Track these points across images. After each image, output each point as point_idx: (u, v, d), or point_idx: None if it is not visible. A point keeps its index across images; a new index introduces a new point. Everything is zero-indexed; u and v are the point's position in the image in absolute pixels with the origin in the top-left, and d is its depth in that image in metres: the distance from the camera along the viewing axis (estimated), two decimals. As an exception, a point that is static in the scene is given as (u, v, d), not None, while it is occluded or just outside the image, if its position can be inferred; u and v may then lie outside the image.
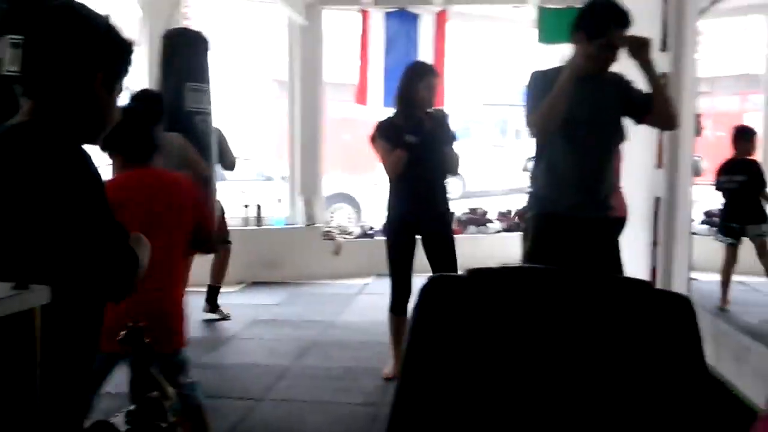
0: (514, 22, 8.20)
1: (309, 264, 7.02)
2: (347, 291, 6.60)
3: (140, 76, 6.53)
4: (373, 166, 13.09)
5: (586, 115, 2.88)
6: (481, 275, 1.73)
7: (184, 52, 4.56)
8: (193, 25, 4.90)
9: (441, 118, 3.97)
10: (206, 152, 4.50)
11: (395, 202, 4.01)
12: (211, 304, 5.51)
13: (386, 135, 3.87)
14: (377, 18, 7.41)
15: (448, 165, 4.00)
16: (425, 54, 7.43)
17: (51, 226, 1.47)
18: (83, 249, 1.49)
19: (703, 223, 6.85)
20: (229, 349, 4.80)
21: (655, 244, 4.90)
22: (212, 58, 4.72)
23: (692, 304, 1.52)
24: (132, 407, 2.03)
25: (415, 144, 3.76)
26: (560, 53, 7.05)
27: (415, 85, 3.89)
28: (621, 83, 3.03)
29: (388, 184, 4.01)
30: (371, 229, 7.86)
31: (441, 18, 7.39)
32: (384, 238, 4.30)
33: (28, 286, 1.51)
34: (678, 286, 4.32)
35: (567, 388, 1.53)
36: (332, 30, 7.92)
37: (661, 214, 4.69)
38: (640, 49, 2.88)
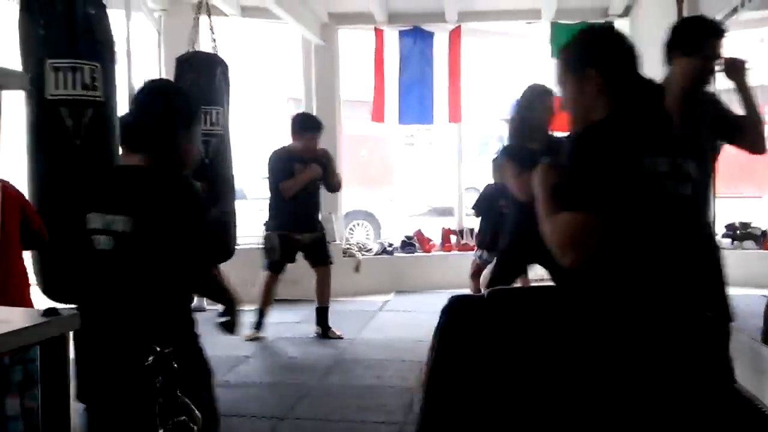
0: (528, 38, 8.22)
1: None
2: (368, 308, 6.61)
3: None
4: (390, 182, 13.13)
5: (686, 134, 2.85)
6: (501, 295, 1.75)
7: (188, 75, 4.65)
8: (209, 46, 4.96)
9: (560, 142, 4.09)
10: (213, 172, 4.57)
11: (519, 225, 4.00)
12: (322, 327, 5.52)
13: (515, 158, 3.88)
14: (392, 36, 7.47)
15: None
16: (440, 71, 7.47)
17: (188, 221, 2.11)
18: (204, 232, 2.19)
19: (724, 236, 6.82)
20: (251, 367, 4.82)
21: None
22: (227, 79, 4.78)
23: (718, 323, 1.53)
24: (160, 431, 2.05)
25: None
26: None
27: (535, 107, 3.97)
28: (717, 103, 3.00)
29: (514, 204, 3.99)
30: (390, 245, 7.87)
31: (455, 35, 7.43)
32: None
33: (58, 312, 1.55)
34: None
35: (588, 404, 1.53)
36: (348, 48, 7.98)
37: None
38: (737, 70, 2.85)
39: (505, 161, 3.91)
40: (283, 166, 5.25)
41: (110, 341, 2.10)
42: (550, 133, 4.00)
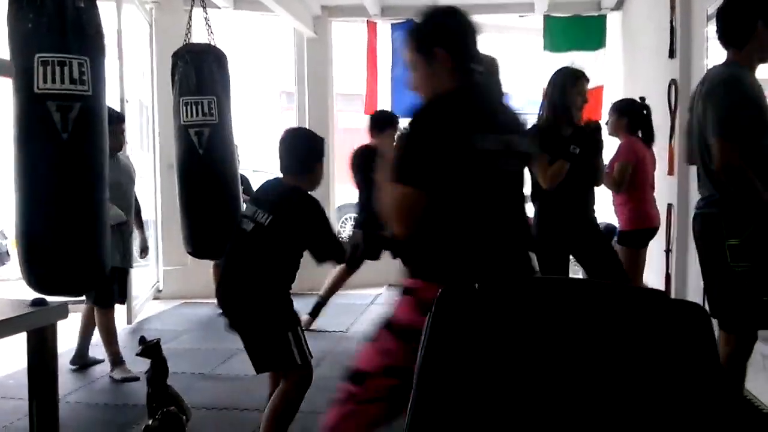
0: (520, 31, 8.21)
1: (320, 274, 7.00)
2: (359, 301, 6.60)
3: (147, 91, 6.62)
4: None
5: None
6: (493, 287, 1.74)
7: (181, 67, 4.63)
8: (201, 39, 4.94)
9: (596, 130, 3.93)
10: (207, 163, 4.56)
11: (549, 215, 3.90)
12: None
13: (546, 146, 3.72)
14: (384, 29, 7.45)
15: (598, 175, 4.04)
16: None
17: (317, 226, 2.96)
18: (328, 236, 3.01)
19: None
20: (243, 360, 4.76)
21: (668, 251, 4.88)
22: (222, 69, 4.76)
23: (707, 314, 1.53)
24: (149, 422, 2.04)
25: (576, 155, 3.70)
26: (568, 61, 7.09)
27: (568, 91, 3.83)
28: None
29: (538, 196, 3.88)
30: (382, 239, 7.86)
31: (448, 28, 7.41)
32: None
33: (46, 303, 1.54)
34: (693, 293, 4.30)
35: (581, 398, 1.53)
36: (341, 41, 7.96)
37: (674, 221, 4.68)
38: None
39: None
40: (367, 162, 5.20)
41: (238, 283, 2.99)
42: (579, 119, 3.87)
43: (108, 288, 4.16)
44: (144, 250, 5.02)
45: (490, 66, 2.12)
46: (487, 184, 1.89)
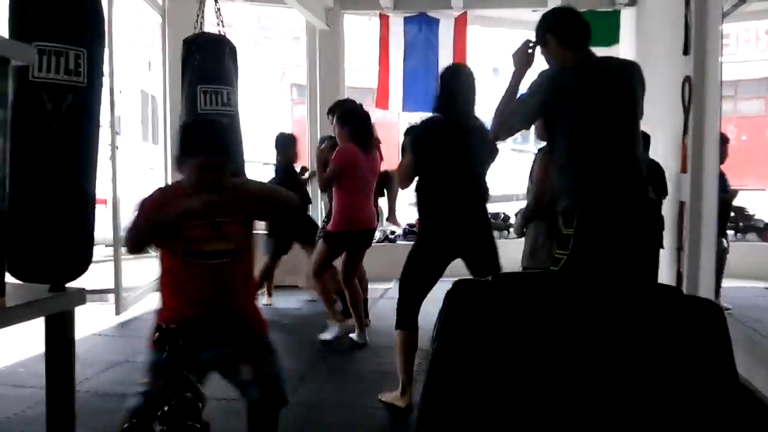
0: (533, 26, 8.18)
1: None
2: (369, 296, 6.58)
3: (158, 80, 6.63)
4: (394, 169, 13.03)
5: None
6: (505, 280, 1.74)
7: (198, 55, 4.59)
8: (213, 29, 4.93)
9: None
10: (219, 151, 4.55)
11: None
12: None
13: None
14: (397, 22, 7.44)
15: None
16: (445, 58, 7.44)
17: None
18: None
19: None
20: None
21: (680, 249, 4.86)
22: (235, 60, 4.76)
23: (722, 310, 1.53)
24: (166, 408, 2.05)
25: None
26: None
27: None
28: None
29: None
30: (393, 233, 7.86)
31: (460, 22, 7.40)
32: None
33: (64, 288, 1.55)
34: (704, 292, 4.28)
35: (592, 391, 1.53)
36: (353, 34, 7.95)
37: (686, 219, 4.66)
38: None
39: None
40: None
41: None
42: None
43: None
44: None
45: None
46: None
